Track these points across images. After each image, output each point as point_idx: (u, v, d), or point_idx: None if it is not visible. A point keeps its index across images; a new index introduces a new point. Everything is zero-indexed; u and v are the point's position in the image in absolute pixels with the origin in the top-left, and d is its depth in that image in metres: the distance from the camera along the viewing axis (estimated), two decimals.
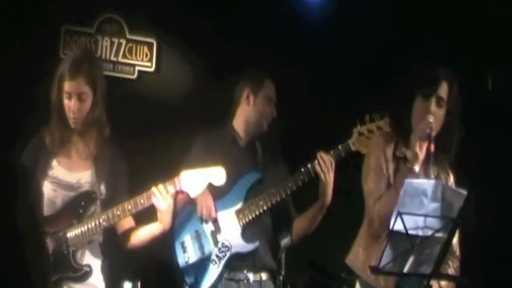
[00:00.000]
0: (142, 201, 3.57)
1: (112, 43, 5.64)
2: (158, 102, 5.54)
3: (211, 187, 3.95)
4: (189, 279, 4.07)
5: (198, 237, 4.10)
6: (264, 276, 4.13)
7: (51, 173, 3.64)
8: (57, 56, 5.31)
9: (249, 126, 4.30)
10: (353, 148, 4.02)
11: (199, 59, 5.58)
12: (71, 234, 3.58)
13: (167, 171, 3.68)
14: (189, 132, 4.44)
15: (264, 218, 4.14)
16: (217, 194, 4.09)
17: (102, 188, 3.67)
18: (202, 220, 4.11)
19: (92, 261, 3.64)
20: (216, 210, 4.12)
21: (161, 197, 3.55)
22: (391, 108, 3.62)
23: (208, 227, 4.11)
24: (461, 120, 3.49)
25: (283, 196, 4.06)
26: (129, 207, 3.58)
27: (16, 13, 5.17)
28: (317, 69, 5.38)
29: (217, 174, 3.56)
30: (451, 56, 4.92)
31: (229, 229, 4.09)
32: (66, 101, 3.62)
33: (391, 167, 3.44)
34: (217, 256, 4.06)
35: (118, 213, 3.57)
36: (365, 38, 5.32)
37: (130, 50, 5.64)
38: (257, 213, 4.09)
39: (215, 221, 4.11)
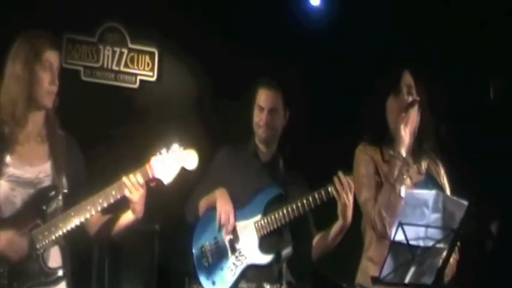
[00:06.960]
0: (113, 192, 3.32)
1: (114, 52, 5.66)
2: (160, 111, 5.54)
3: (222, 193, 4.11)
4: (206, 283, 4.12)
5: (217, 243, 4.16)
6: None
7: (6, 171, 3.31)
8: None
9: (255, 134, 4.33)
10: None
11: (200, 68, 5.59)
12: (37, 235, 3.29)
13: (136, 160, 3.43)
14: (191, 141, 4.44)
15: (284, 232, 4.13)
16: (237, 203, 4.13)
17: (64, 181, 3.40)
18: (221, 225, 4.12)
19: (59, 264, 3.36)
20: (235, 219, 4.14)
21: (133, 188, 3.32)
22: (366, 113, 3.60)
23: (227, 235, 4.15)
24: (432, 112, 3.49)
25: (302, 212, 4.02)
26: (100, 200, 3.32)
27: (17, 21, 5.17)
28: (319, 79, 5.38)
29: (190, 158, 3.35)
30: (452, 65, 4.94)
31: (247, 239, 4.13)
32: (41, 72, 3.35)
33: (385, 168, 3.43)
34: (233, 264, 4.11)
35: (88, 207, 3.32)
36: (367, 46, 5.32)
37: (132, 59, 5.66)
38: (275, 226, 4.09)
39: (234, 230, 4.14)
